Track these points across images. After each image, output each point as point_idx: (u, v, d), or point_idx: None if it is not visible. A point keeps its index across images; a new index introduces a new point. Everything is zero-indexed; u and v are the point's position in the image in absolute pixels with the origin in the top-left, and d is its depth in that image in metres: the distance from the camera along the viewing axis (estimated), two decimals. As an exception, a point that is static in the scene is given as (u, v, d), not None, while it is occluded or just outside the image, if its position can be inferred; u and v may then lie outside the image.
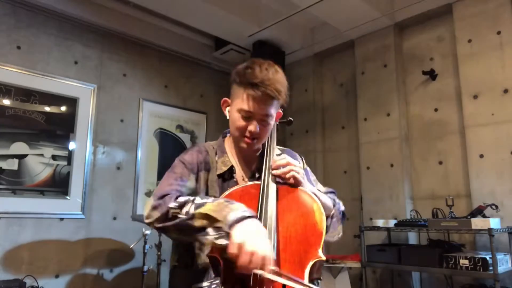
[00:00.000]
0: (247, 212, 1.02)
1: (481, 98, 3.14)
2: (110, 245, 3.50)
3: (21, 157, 3.14)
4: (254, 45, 4.14)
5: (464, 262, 2.63)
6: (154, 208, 1.09)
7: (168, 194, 1.11)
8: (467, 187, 3.17)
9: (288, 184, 1.19)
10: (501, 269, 2.54)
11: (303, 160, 1.47)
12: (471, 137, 3.16)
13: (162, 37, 4.05)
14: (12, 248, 3.00)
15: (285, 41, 4.21)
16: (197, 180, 1.28)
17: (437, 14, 3.55)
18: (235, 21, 3.77)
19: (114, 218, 3.57)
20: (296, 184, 1.18)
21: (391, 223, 3.19)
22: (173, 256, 1.32)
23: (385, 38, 3.80)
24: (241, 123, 1.24)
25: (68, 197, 3.33)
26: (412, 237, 3.49)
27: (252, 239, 0.94)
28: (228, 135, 1.40)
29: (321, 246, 1.04)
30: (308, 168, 1.45)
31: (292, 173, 1.17)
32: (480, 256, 2.60)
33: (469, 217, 2.77)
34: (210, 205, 1.03)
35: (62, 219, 3.28)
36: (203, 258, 1.19)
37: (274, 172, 1.18)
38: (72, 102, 3.46)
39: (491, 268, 2.52)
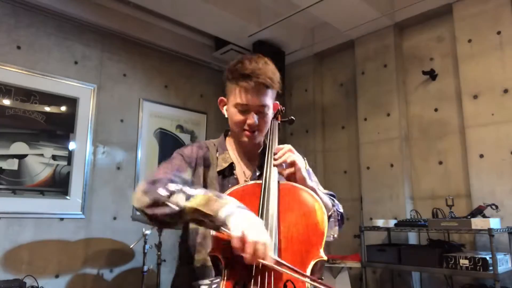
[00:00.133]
0: (238, 205, 1.02)
1: (481, 98, 3.14)
2: (110, 245, 3.49)
3: (21, 157, 3.14)
4: (254, 45, 4.14)
5: (464, 262, 2.63)
6: (145, 193, 1.06)
7: (160, 180, 1.08)
8: (467, 187, 3.17)
9: (287, 174, 1.18)
10: (501, 269, 2.54)
11: (305, 160, 1.46)
12: (471, 137, 3.16)
13: (162, 37, 4.05)
14: (12, 248, 3.00)
15: (285, 41, 4.21)
16: (194, 174, 1.27)
17: (437, 14, 3.55)
18: (235, 21, 3.77)
19: (114, 218, 3.57)
20: (295, 170, 1.17)
21: (391, 223, 3.19)
22: (177, 254, 1.32)
23: (385, 38, 3.81)
24: (239, 117, 1.24)
25: (68, 197, 3.33)
26: (412, 237, 3.49)
27: (252, 229, 0.94)
28: (229, 133, 1.40)
29: (323, 246, 1.03)
30: (310, 170, 1.44)
31: (292, 157, 1.18)
32: (480, 256, 2.60)
33: (469, 217, 2.77)
34: (200, 199, 1.01)
35: (62, 219, 3.28)
36: (203, 253, 1.19)
37: (275, 162, 1.18)
38: (72, 102, 3.46)
39: (491, 268, 2.52)
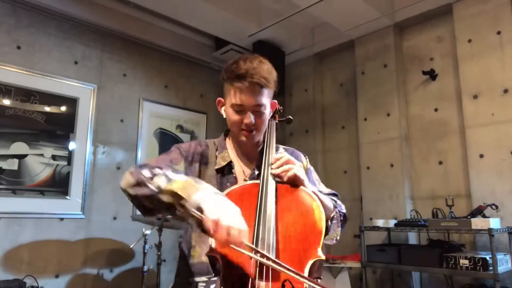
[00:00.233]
0: (216, 191, 1.03)
1: (481, 98, 3.14)
2: (110, 245, 3.50)
3: (21, 157, 3.14)
4: (254, 45, 4.14)
5: (464, 262, 2.63)
6: (131, 173, 1.09)
7: (148, 165, 1.11)
8: (467, 187, 3.17)
9: (288, 183, 1.17)
10: (501, 269, 2.54)
11: (307, 159, 1.46)
12: (471, 137, 3.16)
13: (162, 37, 4.05)
14: (12, 248, 3.00)
15: (285, 41, 4.21)
16: (189, 169, 1.28)
17: (437, 14, 3.55)
18: (235, 21, 3.77)
19: (114, 218, 3.57)
20: (297, 183, 1.16)
21: (391, 223, 3.19)
22: (177, 253, 1.33)
23: (385, 38, 3.80)
24: (236, 117, 1.24)
25: (68, 197, 3.33)
26: (412, 237, 3.49)
27: (227, 214, 0.95)
28: (229, 133, 1.41)
29: (321, 245, 1.03)
30: (311, 168, 1.44)
31: (292, 171, 1.15)
32: (480, 256, 2.60)
33: (469, 217, 2.77)
34: (179, 183, 1.02)
35: (62, 219, 3.28)
36: (199, 250, 1.21)
37: (273, 171, 1.17)
38: (72, 102, 3.46)
39: (491, 268, 2.52)
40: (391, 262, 3.04)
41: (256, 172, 1.31)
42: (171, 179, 1.03)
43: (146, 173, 1.06)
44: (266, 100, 1.25)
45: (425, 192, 3.48)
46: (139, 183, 1.06)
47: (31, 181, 3.17)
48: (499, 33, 3.10)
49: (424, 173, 3.51)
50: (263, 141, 1.33)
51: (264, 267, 0.98)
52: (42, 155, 3.24)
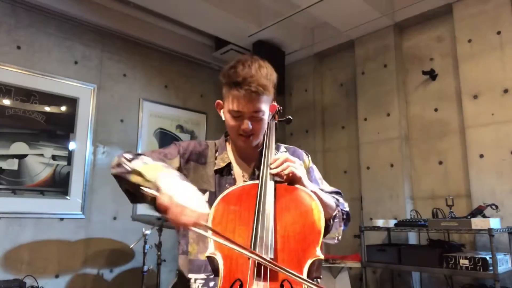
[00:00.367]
0: (183, 178, 1.06)
1: (481, 98, 3.14)
2: (110, 245, 3.50)
3: (21, 157, 3.14)
4: (254, 45, 4.14)
5: (464, 262, 2.63)
6: (117, 156, 1.18)
7: (135, 152, 1.18)
8: (467, 187, 3.17)
9: (287, 182, 1.16)
10: (501, 269, 2.54)
11: (309, 158, 1.46)
12: (471, 137, 3.16)
13: (162, 37, 4.05)
14: (12, 248, 3.00)
15: (285, 41, 4.21)
16: (184, 166, 1.29)
17: (437, 14, 3.55)
18: (235, 21, 3.77)
19: (114, 218, 3.57)
20: (295, 180, 1.15)
21: (391, 223, 3.19)
22: (177, 252, 1.33)
23: (385, 38, 3.80)
24: (233, 123, 1.24)
25: (68, 197, 3.33)
26: (412, 237, 3.49)
27: (184, 194, 0.97)
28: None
29: (320, 245, 1.03)
30: (314, 166, 1.44)
31: (290, 168, 1.14)
32: (480, 256, 2.60)
33: (469, 217, 2.77)
34: (148, 165, 1.09)
35: (62, 219, 3.28)
36: (195, 246, 1.21)
37: (272, 171, 1.16)
38: (72, 102, 3.46)
39: (491, 268, 2.52)
40: (391, 262, 3.04)
41: (256, 173, 1.31)
42: (146, 163, 1.10)
43: (127, 155, 1.15)
44: (265, 105, 1.23)
45: (425, 192, 3.48)
46: (119, 164, 1.14)
47: (31, 181, 3.17)
48: (499, 33, 3.10)
49: (424, 173, 3.51)
50: (263, 142, 1.33)
51: (262, 267, 0.97)
52: (42, 155, 3.24)
